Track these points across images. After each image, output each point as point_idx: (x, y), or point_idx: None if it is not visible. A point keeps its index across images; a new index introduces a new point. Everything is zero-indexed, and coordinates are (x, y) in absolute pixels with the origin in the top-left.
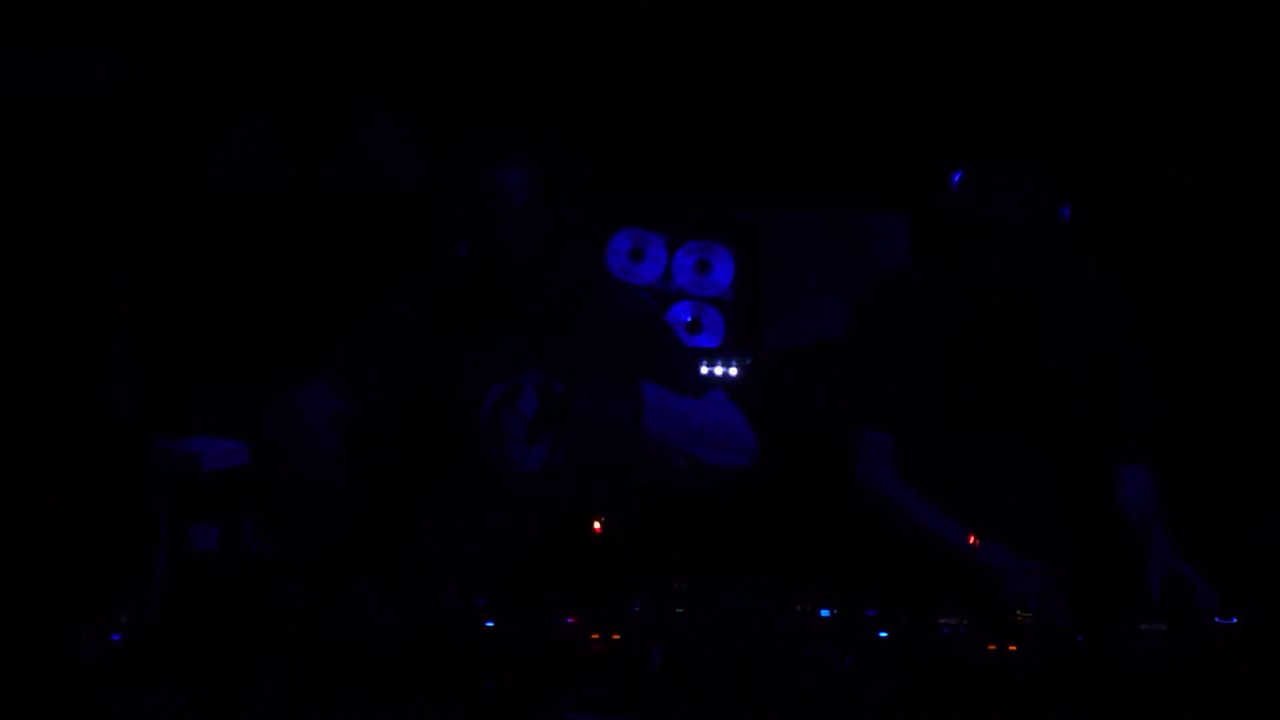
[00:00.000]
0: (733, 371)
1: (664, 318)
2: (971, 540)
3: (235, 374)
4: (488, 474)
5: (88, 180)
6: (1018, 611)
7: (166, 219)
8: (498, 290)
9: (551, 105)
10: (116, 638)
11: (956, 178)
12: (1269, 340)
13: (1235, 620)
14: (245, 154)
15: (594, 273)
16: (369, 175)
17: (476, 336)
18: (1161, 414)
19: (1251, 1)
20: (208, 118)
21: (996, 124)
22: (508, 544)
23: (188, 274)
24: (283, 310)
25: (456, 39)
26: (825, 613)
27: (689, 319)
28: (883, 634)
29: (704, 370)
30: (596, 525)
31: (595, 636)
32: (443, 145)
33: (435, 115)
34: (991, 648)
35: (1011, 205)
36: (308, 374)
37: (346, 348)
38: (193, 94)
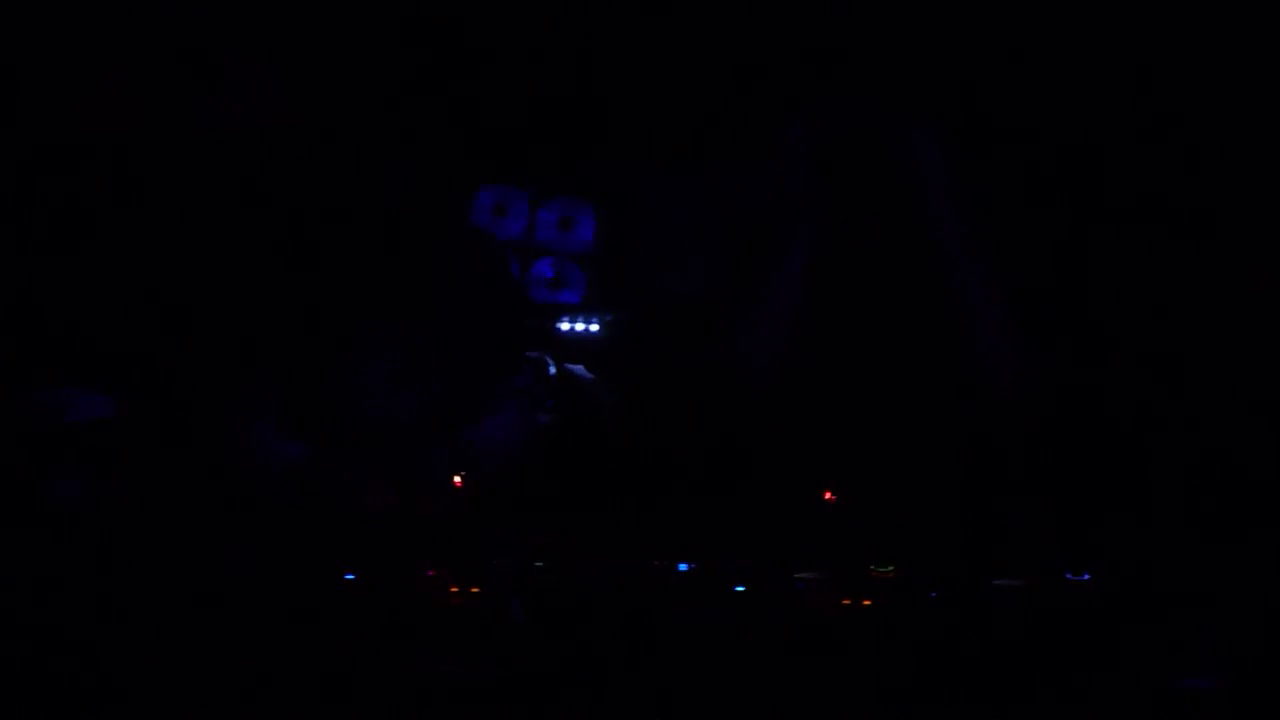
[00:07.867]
0: (594, 328)
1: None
2: (827, 496)
3: (106, 323)
4: (359, 421)
5: None
6: (872, 567)
7: (27, 166)
8: None
9: (413, 57)
10: None
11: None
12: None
13: (1087, 577)
14: (106, 100)
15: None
16: (235, 116)
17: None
18: None
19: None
20: (69, 64)
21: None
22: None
23: (54, 222)
24: (154, 257)
25: None
26: (683, 567)
27: (551, 275)
28: (739, 588)
29: (565, 326)
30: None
31: (454, 590)
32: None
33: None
34: (846, 602)
35: None
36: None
37: None
38: (53, 41)
